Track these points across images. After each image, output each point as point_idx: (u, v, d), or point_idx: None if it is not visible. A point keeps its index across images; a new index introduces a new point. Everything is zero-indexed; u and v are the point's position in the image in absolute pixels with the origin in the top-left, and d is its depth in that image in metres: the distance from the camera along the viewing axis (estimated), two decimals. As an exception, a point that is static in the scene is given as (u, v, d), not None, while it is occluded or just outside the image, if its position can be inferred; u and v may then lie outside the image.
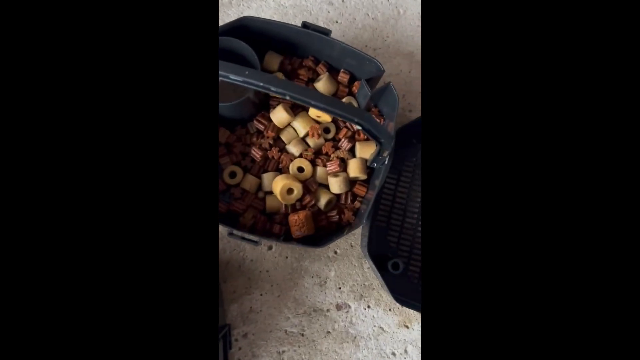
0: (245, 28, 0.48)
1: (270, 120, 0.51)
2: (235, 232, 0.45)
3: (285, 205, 0.50)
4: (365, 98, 0.51)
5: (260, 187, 0.52)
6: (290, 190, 0.49)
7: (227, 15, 0.59)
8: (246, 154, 0.52)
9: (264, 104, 0.53)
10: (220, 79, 0.36)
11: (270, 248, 0.54)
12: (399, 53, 0.59)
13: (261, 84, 0.35)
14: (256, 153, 0.51)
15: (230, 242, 0.53)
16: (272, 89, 0.36)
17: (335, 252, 0.54)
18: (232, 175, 0.51)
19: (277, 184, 0.48)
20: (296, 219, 0.48)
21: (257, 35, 0.49)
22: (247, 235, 0.45)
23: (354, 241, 0.55)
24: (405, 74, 0.58)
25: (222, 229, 0.51)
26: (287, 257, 0.54)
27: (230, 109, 0.48)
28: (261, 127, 0.52)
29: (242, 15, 0.48)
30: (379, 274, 0.47)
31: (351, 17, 0.59)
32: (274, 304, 0.52)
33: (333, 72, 0.54)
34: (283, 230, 0.50)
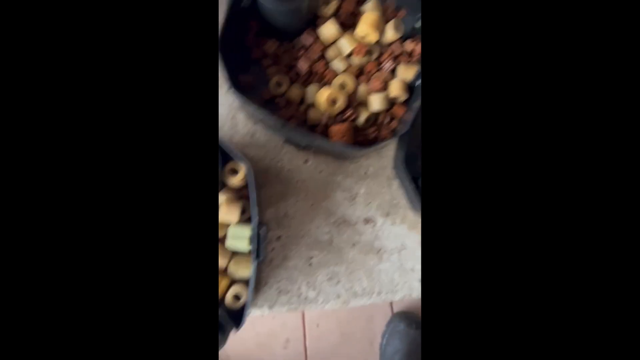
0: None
1: (317, 36, 0.53)
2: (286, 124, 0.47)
3: (327, 117, 0.52)
4: None
5: (303, 99, 0.54)
6: (334, 101, 0.51)
7: None
8: (292, 66, 0.54)
9: (312, 21, 0.55)
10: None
11: (306, 162, 0.57)
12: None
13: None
14: (302, 66, 0.53)
15: (269, 151, 0.56)
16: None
17: (366, 172, 0.57)
18: (278, 85, 0.53)
19: (322, 94, 0.51)
20: (337, 129, 0.50)
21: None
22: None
23: (386, 162, 0.58)
24: None
25: (277, 138, 0.55)
26: (321, 172, 0.57)
27: (283, 13, 0.49)
28: (309, 41, 0.53)
29: None
30: (412, 187, 0.50)
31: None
32: (307, 212, 0.56)
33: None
34: (323, 141, 0.52)
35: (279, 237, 0.55)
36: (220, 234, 0.46)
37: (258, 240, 0.44)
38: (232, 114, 0.56)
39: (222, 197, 0.46)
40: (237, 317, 0.45)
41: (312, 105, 0.54)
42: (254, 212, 0.44)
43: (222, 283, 0.45)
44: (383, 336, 1.13)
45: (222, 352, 1.15)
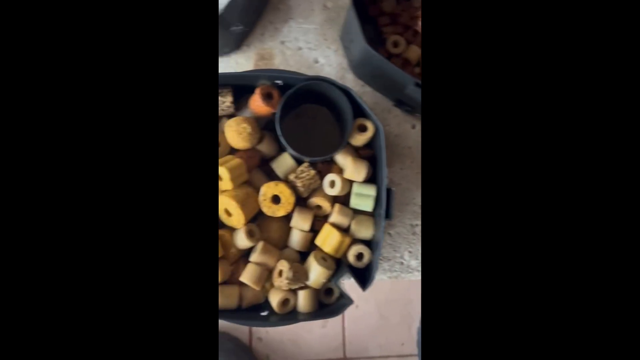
0: None
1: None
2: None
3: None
4: None
5: (420, 60, 0.52)
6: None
7: None
8: (409, 27, 0.52)
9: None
10: None
11: (413, 127, 0.55)
12: None
13: None
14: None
15: (377, 115, 0.54)
16: None
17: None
18: (395, 44, 0.51)
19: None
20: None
21: None
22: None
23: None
24: None
25: (385, 102, 0.52)
26: (427, 139, 0.55)
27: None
28: (428, 1, 0.51)
29: None
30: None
31: None
32: (412, 179, 0.54)
33: None
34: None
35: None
36: (344, 191, 0.44)
37: (388, 200, 0.42)
38: (341, 74, 0.54)
39: (348, 157, 0.44)
40: (361, 276, 0.43)
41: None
42: (384, 172, 0.42)
43: (345, 241, 0.44)
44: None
45: (260, 328, 1.15)
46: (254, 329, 1.20)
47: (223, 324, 1.19)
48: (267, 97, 0.43)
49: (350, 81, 0.54)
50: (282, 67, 0.54)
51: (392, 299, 1.22)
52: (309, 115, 0.51)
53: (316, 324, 1.22)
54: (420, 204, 0.54)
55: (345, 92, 0.43)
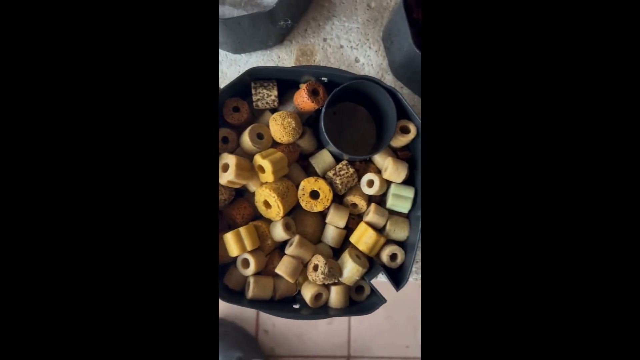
0: None
1: None
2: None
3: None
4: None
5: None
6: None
7: None
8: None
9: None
10: None
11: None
12: None
13: None
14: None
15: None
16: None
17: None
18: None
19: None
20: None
21: None
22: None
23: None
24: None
25: None
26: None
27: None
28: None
29: None
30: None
31: None
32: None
33: None
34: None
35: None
36: (381, 191, 0.45)
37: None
38: (380, 74, 0.54)
39: (388, 158, 0.45)
40: (394, 276, 0.44)
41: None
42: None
43: (380, 241, 0.44)
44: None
45: (267, 320, 1.16)
46: (261, 321, 1.21)
47: (229, 314, 1.21)
48: (313, 93, 0.43)
49: (389, 82, 0.54)
50: (323, 64, 0.54)
51: (399, 301, 1.22)
52: (345, 113, 0.51)
53: (322, 321, 1.23)
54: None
55: (391, 93, 0.43)
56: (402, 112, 0.44)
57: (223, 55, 0.53)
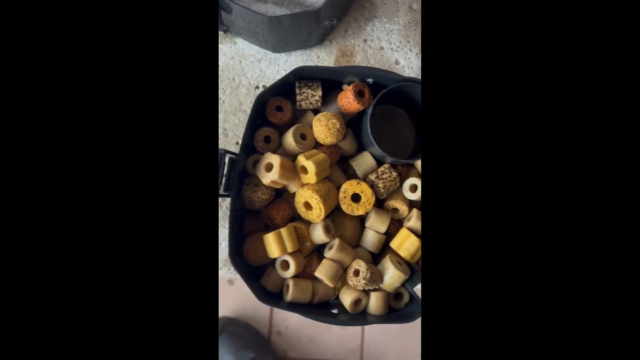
0: None
1: None
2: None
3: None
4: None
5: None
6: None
7: None
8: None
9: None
10: None
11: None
12: None
13: None
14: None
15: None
16: None
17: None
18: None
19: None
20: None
21: None
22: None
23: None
24: None
25: None
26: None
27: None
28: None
29: None
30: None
31: None
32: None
33: None
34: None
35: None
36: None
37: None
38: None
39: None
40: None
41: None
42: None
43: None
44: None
45: (280, 322, 1.15)
46: (274, 322, 1.20)
47: (243, 314, 1.20)
48: (359, 94, 0.42)
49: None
50: (362, 65, 0.53)
51: (415, 308, 1.21)
52: (384, 115, 0.51)
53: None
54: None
55: (439, 96, 0.42)
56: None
57: (262, 53, 0.52)
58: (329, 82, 0.45)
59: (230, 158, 0.40)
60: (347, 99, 0.42)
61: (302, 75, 0.44)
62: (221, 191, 0.40)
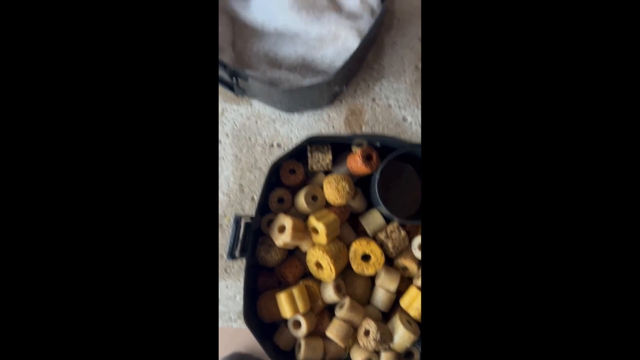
0: None
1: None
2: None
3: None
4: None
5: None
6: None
7: None
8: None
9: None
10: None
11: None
12: None
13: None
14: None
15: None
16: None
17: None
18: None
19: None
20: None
21: None
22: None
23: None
24: None
25: None
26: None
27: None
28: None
29: None
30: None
31: None
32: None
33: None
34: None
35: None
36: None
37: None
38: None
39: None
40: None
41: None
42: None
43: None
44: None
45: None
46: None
47: (256, 351, 1.19)
48: (367, 158, 0.44)
49: (435, 141, 0.55)
50: (371, 123, 0.56)
51: None
52: (393, 171, 0.52)
53: None
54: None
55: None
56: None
57: (277, 114, 0.56)
58: (340, 143, 0.48)
59: (246, 223, 0.42)
60: (356, 163, 0.45)
61: (314, 142, 0.46)
62: (237, 254, 0.42)
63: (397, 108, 0.56)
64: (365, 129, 0.56)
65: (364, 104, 0.56)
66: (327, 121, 0.56)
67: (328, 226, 0.43)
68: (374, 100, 0.56)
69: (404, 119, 0.56)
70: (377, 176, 0.44)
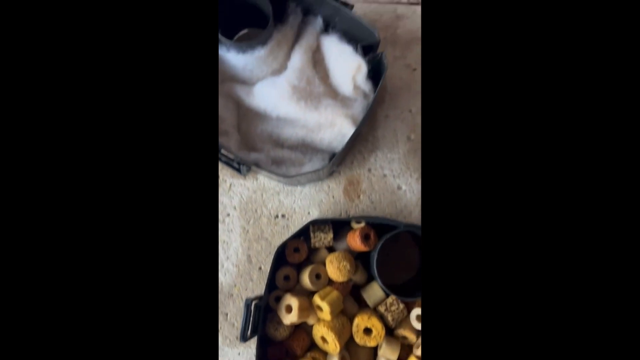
0: None
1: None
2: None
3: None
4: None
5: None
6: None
7: None
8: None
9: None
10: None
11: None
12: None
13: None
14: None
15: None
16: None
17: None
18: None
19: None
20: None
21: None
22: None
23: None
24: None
25: None
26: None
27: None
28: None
29: None
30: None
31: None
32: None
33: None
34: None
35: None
36: None
37: None
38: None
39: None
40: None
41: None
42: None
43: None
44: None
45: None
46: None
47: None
48: (365, 238, 0.48)
49: (429, 207, 0.59)
50: (367, 192, 0.60)
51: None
52: (391, 238, 0.56)
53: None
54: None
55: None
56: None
57: (281, 186, 0.60)
58: (341, 221, 0.52)
59: (255, 304, 0.46)
60: (355, 242, 0.48)
61: (316, 222, 0.50)
62: (249, 334, 0.46)
63: (391, 177, 0.60)
64: (363, 198, 0.60)
65: (361, 174, 0.61)
66: (327, 191, 0.60)
67: (331, 304, 0.46)
68: (369, 170, 0.61)
69: (399, 187, 0.60)
70: (375, 255, 0.48)
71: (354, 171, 0.61)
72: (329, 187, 0.60)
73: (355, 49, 0.53)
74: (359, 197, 0.60)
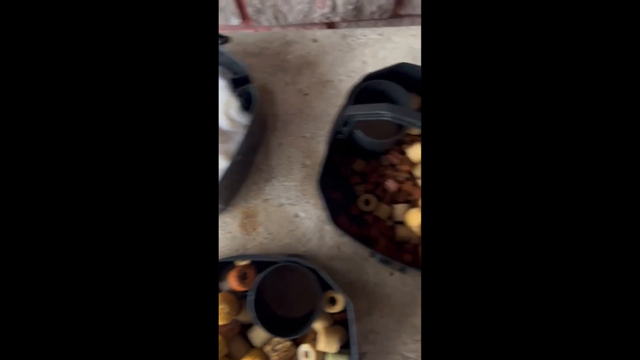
0: (400, 72, 0.53)
1: (404, 154, 0.55)
2: (376, 254, 0.49)
3: (419, 238, 0.53)
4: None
5: (391, 216, 0.55)
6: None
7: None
8: (379, 183, 0.56)
9: (399, 142, 0.57)
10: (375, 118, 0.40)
11: (391, 274, 0.57)
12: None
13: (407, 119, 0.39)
14: (391, 186, 0.55)
15: (355, 264, 0.57)
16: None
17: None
18: (367, 203, 0.55)
19: (414, 217, 0.52)
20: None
21: (412, 79, 0.53)
22: (387, 258, 0.48)
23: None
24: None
25: (363, 251, 0.56)
26: (407, 285, 0.57)
27: (374, 144, 0.52)
28: (395, 161, 0.56)
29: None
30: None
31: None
32: (392, 328, 0.56)
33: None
34: (412, 259, 0.53)
35: (364, 354, 0.55)
36: (317, 362, 0.46)
37: None
38: (320, 226, 0.58)
39: (320, 326, 0.47)
40: None
41: (400, 222, 0.55)
42: (354, 349, 0.44)
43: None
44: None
45: None
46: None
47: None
48: (242, 277, 0.47)
49: (329, 232, 0.58)
50: (265, 224, 0.58)
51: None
52: (286, 270, 0.55)
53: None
54: (402, 352, 0.55)
55: (313, 271, 0.46)
56: (326, 285, 0.47)
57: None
58: (224, 262, 0.50)
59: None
60: (233, 282, 0.47)
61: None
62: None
63: (288, 205, 0.59)
64: (261, 230, 0.59)
65: (257, 206, 0.59)
66: (224, 227, 0.59)
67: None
68: (265, 200, 0.59)
69: (296, 215, 0.59)
70: (252, 297, 0.46)
71: (249, 203, 0.59)
72: (224, 222, 0.59)
73: (228, 82, 0.53)
74: (255, 229, 0.59)
